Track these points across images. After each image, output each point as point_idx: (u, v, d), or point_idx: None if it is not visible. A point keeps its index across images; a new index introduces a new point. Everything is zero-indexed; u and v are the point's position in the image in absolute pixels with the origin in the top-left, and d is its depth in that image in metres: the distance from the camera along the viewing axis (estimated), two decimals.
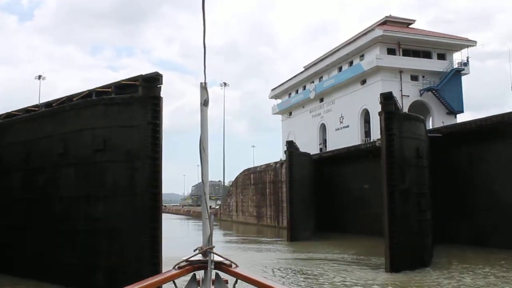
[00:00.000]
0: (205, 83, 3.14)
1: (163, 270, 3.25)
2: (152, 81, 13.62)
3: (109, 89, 15.37)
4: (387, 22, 52.27)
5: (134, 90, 14.23)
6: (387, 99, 19.25)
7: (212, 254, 2.99)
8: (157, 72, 13.58)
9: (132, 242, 13.08)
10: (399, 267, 17.62)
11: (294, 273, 18.63)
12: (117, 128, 13.62)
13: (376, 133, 44.67)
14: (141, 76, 13.90)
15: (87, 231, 13.73)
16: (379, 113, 19.38)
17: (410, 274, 17.26)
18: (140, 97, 13.68)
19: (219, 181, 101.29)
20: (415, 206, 19.10)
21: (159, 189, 13.22)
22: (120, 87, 15.07)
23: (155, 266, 12.47)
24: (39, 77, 68.81)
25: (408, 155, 19.24)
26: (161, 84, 13.59)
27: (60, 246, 14.59)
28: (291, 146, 34.75)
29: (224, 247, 30.13)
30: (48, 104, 19.40)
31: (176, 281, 2.93)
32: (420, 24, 55.44)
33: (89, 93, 16.63)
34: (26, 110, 20.08)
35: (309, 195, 35.52)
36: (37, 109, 19.68)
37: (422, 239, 19.41)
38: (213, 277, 3.03)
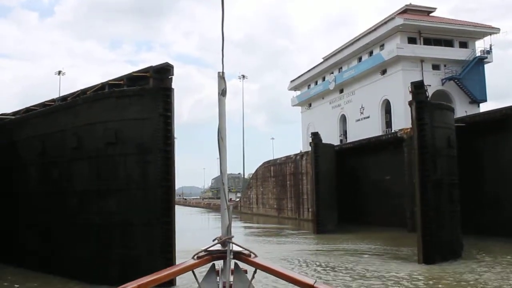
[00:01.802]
0: (222, 72, 3.13)
1: (180, 261, 3.20)
2: (163, 72, 13.42)
3: (121, 82, 15.16)
4: (407, 10, 51.40)
5: (146, 82, 14.04)
6: (418, 88, 19.10)
7: (231, 244, 2.99)
8: (168, 62, 13.37)
9: (145, 236, 12.94)
10: (433, 259, 17.45)
11: (330, 267, 18.21)
12: (129, 121, 13.44)
13: (397, 124, 44.15)
14: (151, 67, 13.70)
15: (100, 225, 13.62)
16: (409, 103, 19.18)
17: (444, 266, 17.05)
18: (151, 88, 13.48)
19: (239, 173, 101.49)
20: (447, 197, 18.82)
21: (171, 182, 13.05)
22: (132, 79, 14.86)
23: (168, 260, 12.31)
24: (59, 72, 69.34)
25: (440, 145, 18.97)
26: (172, 75, 13.38)
27: (74, 240, 14.53)
28: (316, 138, 34.46)
29: (249, 240, 30.11)
30: (64, 98, 19.39)
31: (195, 270, 2.92)
32: (440, 12, 54.33)
33: (102, 86, 16.48)
34: (43, 104, 20.08)
35: (333, 187, 35.29)
36: (53, 103, 19.65)
37: (454, 230, 19.11)
38: (232, 267, 3.04)
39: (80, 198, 14.57)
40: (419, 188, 18.22)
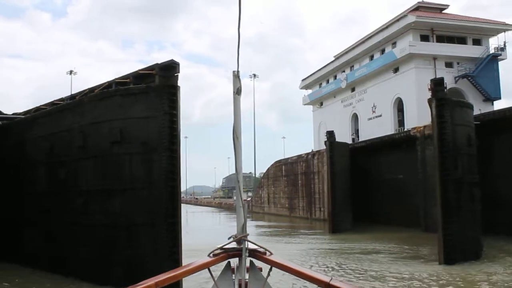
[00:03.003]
0: (237, 71, 3.13)
1: (185, 262, 3.20)
2: (168, 70, 13.18)
3: (128, 80, 14.98)
4: (419, 8, 50.81)
5: (152, 79, 13.83)
6: (437, 85, 18.90)
7: (246, 242, 3.01)
8: (173, 60, 13.13)
9: (150, 236, 12.71)
10: (454, 259, 17.24)
11: (349, 267, 18.06)
12: (134, 119, 13.21)
13: (409, 122, 43.69)
14: (157, 65, 13.48)
15: (105, 225, 13.43)
16: (429, 100, 18.88)
17: (465, 267, 16.85)
18: (157, 86, 13.25)
19: (250, 173, 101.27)
20: (468, 196, 18.55)
21: (177, 181, 12.79)
22: (138, 77, 14.68)
23: (174, 261, 12.07)
24: (70, 72, 69.71)
25: (460, 143, 18.74)
26: (178, 72, 13.14)
27: (80, 240, 14.39)
28: (331, 137, 34.29)
29: (263, 239, 30.10)
30: (72, 97, 19.34)
31: (211, 268, 2.97)
32: (453, 10, 53.73)
33: (109, 85, 16.35)
34: (52, 103, 20.04)
35: (348, 186, 35.14)
36: (62, 102, 19.57)
37: (474, 230, 18.82)
38: (248, 264, 3.05)
39: (85, 198, 14.40)
40: (439, 187, 17.97)
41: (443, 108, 18.35)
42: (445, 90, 19.28)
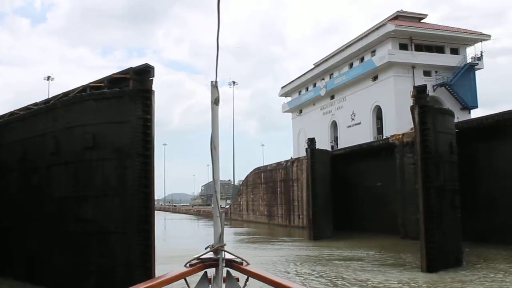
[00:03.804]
0: (216, 81, 3.08)
1: (161, 270, 3.05)
2: (143, 74, 12.94)
3: (102, 84, 14.66)
4: (398, 17, 51.22)
5: (127, 84, 13.54)
6: (420, 92, 18.94)
7: (223, 252, 2.98)
8: (148, 64, 12.88)
9: (122, 244, 12.38)
10: (436, 267, 17.21)
11: (332, 276, 17.88)
12: (107, 124, 12.89)
13: (388, 130, 43.87)
14: (131, 68, 13.21)
15: (77, 232, 13.07)
16: (411, 107, 18.95)
17: (448, 274, 16.88)
18: (130, 90, 12.97)
19: (229, 180, 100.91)
20: (449, 203, 18.63)
21: (150, 188, 12.48)
22: (112, 81, 14.36)
23: (146, 270, 11.76)
24: (48, 78, 68.86)
25: (442, 150, 18.82)
26: (153, 76, 12.89)
27: (53, 248, 14.01)
28: (312, 144, 34.32)
29: (243, 247, 30.01)
30: (47, 102, 18.89)
31: (187, 278, 2.90)
32: (431, 20, 54.27)
33: (83, 89, 15.97)
34: (26, 108, 19.57)
35: (329, 193, 35.16)
36: (35, 107, 19.15)
37: (456, 237, 18.89)
38: (225, 274, 3.02)
39: (58, 205, 14.04)
40: (422, 194, 17.99)
41: (426, 115, 18.41)
42: (428, 97, 19.40)
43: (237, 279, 3.08)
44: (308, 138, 35.85)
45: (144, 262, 11.99)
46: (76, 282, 12.76)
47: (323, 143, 50.12)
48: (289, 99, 70.34)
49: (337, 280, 16.75)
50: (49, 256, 14.15)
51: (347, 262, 21.05)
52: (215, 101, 3.11)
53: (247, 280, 2.98)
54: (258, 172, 56.23)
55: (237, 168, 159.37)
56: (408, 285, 15.55)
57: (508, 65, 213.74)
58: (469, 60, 48.74)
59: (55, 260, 13.84)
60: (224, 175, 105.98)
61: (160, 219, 77.08)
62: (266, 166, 55.30)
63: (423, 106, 18.54)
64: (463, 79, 47.43)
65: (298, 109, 67.14)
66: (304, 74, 64.89)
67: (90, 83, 15.71)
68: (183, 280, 2.89)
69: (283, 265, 20.90)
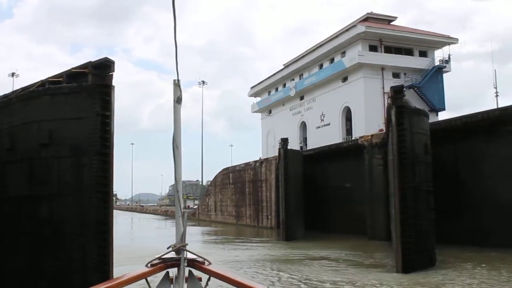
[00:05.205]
0: (178, 80, 3.10)
1: (125, 271, 3.09)
2: (102, 68, 12.33)
3: (61, 79, 14.02)
4: (368, 18, 51.51)
5: (86, 78, 12.96)
6: (397, 92, 18.86)
7: (185, 251, 2.97)
8: (107, 58, 12.31)
9: (78, 246, 11.81)
10: (411, 268, 17.11)
11: (309, 278, 17.44)
12: (64, 120, 12.27)
13: (357, 131, 43.95)
14: (90, 63, 12.64)
15: (31, 234, 12.43)
16: (388, 108, 18.84)
17: (423, 275, 16.84)
18: (89, 85, 12.38)
19: (197, 180, 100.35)
20: (425, 204, 18.56)
21: (109, 187, 11.92)
22: (72, 76, 13.71)
23: (103, 273, 11.21)
24: (12, 74, 67.43)
25: (418, 150, 18.76)
26: (113, 71, 12.32)
27: (7, 250, 13.31)
28: (285, 144, 34.18)
29: (213, 247, 29.98)
30: (5, 97, 18.12)
31: (148, 279, 2.87)
32: (400, 23, 54.80)
33: (42, 83, 15.27)
34: None
35: (301, 193, 35.10)
36: None
37: (431, 238, 18.87)
38: (187, 274, 3.00)
39: (13, 205, 13.36)
40: (397, 195, 17.89)
41: (403, 116, 18.40)
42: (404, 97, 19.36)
43: (200, 279, 3.09)
44: (281, 138, 35.72)
45: (101, 264, 11.44)
46: (29, 286, 12.16)
47: (292, 144, 49.87)
48: (258, 99, 70.15)
49: (312, 282, 16.49)
50: (2, 259, 13.47)
51: (322, 262, 21.11)
52: (178, 100, 3.14)
53: (208, 279, 2.98)
54: (226, 172, 55.88)
55: (205, 168, 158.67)
56: (388, 286, 15.46)
57: (473, 69, 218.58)
58: (437, 63, 49.37)
59: (9, 263, 13.18)
60: (193, 175, 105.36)
61: (127, 219, 76.16)
62: (235, 166, 55.02)
63: (400, 107, 18.51)
64: (431, 81, 47.95)
65: (267, 110, 66.98)
66: (274, 74, 64.79)
67: (49, 77, 15.04)
68: (144, 281, 2.85)
69: (255, 266, 20.67)
